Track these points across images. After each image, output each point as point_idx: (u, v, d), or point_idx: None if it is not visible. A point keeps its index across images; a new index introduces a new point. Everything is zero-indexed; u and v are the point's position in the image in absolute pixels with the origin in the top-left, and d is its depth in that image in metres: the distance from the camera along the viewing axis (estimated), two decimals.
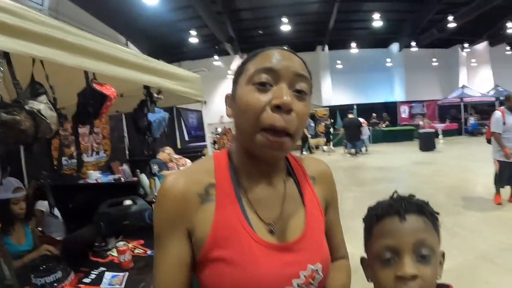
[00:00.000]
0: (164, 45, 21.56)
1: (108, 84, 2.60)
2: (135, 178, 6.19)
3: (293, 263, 0.92)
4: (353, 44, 24.09)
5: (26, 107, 1.91)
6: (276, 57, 0.92)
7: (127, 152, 8.89)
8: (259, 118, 0.87)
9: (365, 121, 16.94)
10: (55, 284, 2.19)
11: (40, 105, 1.98)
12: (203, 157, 1.60)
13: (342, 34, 23.45)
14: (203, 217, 0.91)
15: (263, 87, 0.89)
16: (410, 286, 0.86)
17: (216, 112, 23.19)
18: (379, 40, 24.83)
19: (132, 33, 18.18)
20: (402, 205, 0.94)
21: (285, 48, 0.98)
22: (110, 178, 6.88)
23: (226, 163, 1.01)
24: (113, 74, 2.49)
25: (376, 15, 18.54)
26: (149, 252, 2.73)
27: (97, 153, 7.71)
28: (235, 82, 0.98)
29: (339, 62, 25.84)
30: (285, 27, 19.11)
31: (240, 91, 0.93)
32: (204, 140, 12.51)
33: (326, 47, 25.48)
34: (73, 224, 3.97)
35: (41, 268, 2.26)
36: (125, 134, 8.89)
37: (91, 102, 2.48)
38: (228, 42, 20.98)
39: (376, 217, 0.97)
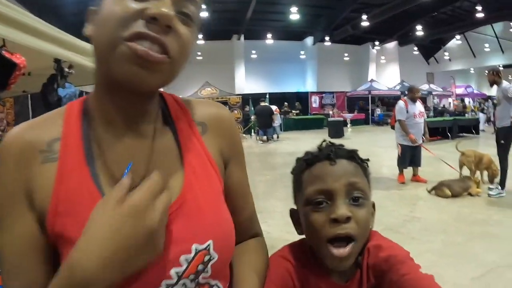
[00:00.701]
0: (78, 23, 20.46)
1: (19, 53, 2.47)
2: None
3: (166, 244, 0.65)
4: (269, 35, 24.55)
5: None
6: None
7: None
8: (124, 26, 0.61)
9: (277, 109, 17.24)
10: None
11: None
12: None
13: (259, 24, 23.87)
14: (42, 183, 0.67)
15: None
16: (344, 228, 0.81)
17: None
18: (295, 33, 25.67)
19: (43, 9, 17.06)
20: (332, 151, 0.91)
21: None
22: None
23: (79, 110, 0.75)
24: (25, 44, 2.41)
25: (294, 9, 19.04)
26: None
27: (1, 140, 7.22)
28: None
29: (254, 52, 26.25)
30: (203, 13, 18.93)
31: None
32: None
33: (242, 37, 25.78)
34: None
35: None
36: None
37: None
38: None
39: (306, 163, 0.92)
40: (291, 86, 26.51)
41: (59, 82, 3.30)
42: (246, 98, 21.05)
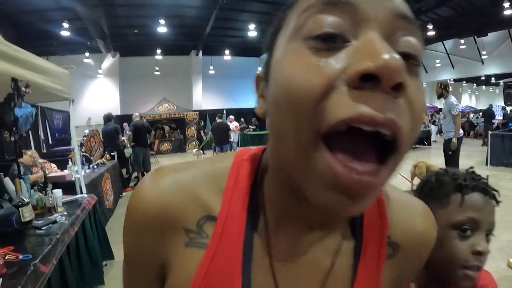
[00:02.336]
0: (31, 35, 19.66)
1: None
2: None
3: None
4: (227, 51, 24.59)
5: None
6: None
7: None
8: (319, 110, 0.39)
9: (237, 126, 17.29)
10: None
11: None
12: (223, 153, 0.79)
13: (217, 40, 23.87)
14: (181, 271, 0.55)
15: (327, 43, 0.41)
16: (482, 261, 0.91)
17: (83, 114, 21.95)
18: (252, 49, 25.61)
19: None
20: (486, 184, 0.97)
21: None
22: None
23: (247, 187, 0.57)
24: None
25: (252, 26, 19.12)
26: (21, 256, 2.53)
27: None
28: (271, 46, 0.50)
29: (211, 67, 26.17)
30: (162, 28, 18.83)
31: (279, 59, 0.46)
32: (69, 144, 11.80)
33: (200, 52, 25.67)
34: None
35: None
36: None
37: None
38: (100, 39, 19.92)
39: (458, 187, 0.95)
40: (247, 102, 26.45)
41: (16, 102, 3.18)
42: (203, 114, 21.03)
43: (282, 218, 0.53)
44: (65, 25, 17.48)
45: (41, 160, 6.14)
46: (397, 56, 0.37)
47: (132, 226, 0.57)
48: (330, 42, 0.41)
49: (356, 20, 0.40)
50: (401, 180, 7.24)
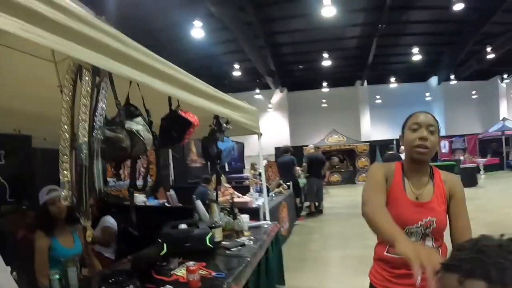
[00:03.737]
0: (208, 77, 21.83)
1: (190, 112, 2.78)
2: (180, 204, 6.43)
3: (421, 212, 1.84)
4: (392, 79, 24.04)
5: (126, 126, 2.05)
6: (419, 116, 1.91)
7: (171, 178, 9.08)
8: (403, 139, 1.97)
9: None
10: None
11: (138, 126, 2.14)
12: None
13: (381, 68, 23.52)
14: (388, 182, 1.95)
15: (414, 130, 1.86)
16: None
17: (256, 145, 23.14)
18: (418, 74, 24.74)
19: (179, 65, 18.69)
20: None
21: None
22: (155, 202, 7.07)
23: (400, 164, 2.01)
24: (193, 103, 2.70)
25: (415, 49, 18.53)
26: (214, 273, 2.80)
27: (144, 178, 7.90)
28: (404, 129, 1.99)
29: (378, 97, 25.74)
30: (326, 62, 19.26)
31: (405, 132, 1.95)
32: (242, 172, 12.65)
33: (365, 82, 25.47)
34: (124, 243, 4.21)
35: (110, 280, 2.34)
36: (170, 162, 9.10)
37: (175, 127, 2.64)
38: (269, 76, 21.32)
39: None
40: None
41: (218, 136, 3.58)
42: (373, 145, 20.40)
43: (408, 169, 1.97)
44: (236, 66, 19.03)
45: (226, 185, 6.68)
46: (426, 133, 1.83)
47: (376, 170, 2.01)
48: (414, 130, 1.88)
49: (420, 125, 1.86)
50: None
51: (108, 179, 6.25)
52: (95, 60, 1.71)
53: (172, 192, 7.98)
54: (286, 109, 25.81)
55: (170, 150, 8.89)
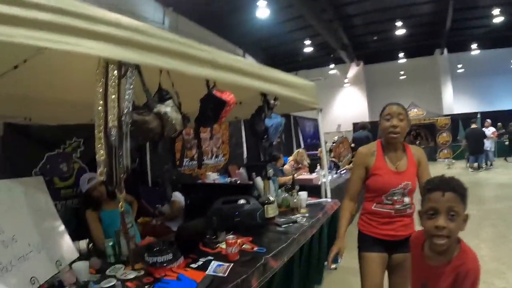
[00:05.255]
0: (279, 55, 22.00)
1: (229, 91, 2.86)
2: (250, 182, 6.57)
3: (400, 178, 2.46)
4: (474, 45, 21.98)
5: (154, 110, 2.24)
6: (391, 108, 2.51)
7: (244, 157, 9.30)
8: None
9: (495, 132, 15.02)
10: (164, 264, 2.43)
11: (167, 108, 2.30)
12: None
13: (461, 34, 21.52)
14: (371, 161, 2.54)
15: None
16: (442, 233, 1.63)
17: (333, 121, 23.05)
18: (502, 38, 21.64)
19: (248, 46, 18.94)
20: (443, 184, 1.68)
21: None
22: (227, 180, 7.31)
23: (380, 143, 2.59)
24: (231, 82, 2.78)
25: (496, 10, 16.63)
26: (256, 248, 2.88)
27: (216, 156, 8.24)
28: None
29: (459, 66, 23.48)
30: (400, 31, 18.31)
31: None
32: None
33: (445, 50, 23.47)
34: (188, 217, 4.39)
35: (154, 249, 2.53)
36: (243, 140, 9.29)
37: (211, 107, 2.75)
38: (342, 50, 20.76)
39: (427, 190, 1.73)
40: (505, 103, 21.47)
41: (266, 113, 3.65)
42: (455, 119, 18.25)
43: (387, 148, 2.58)
44: (307, 42, 18.71)
45: (305, 162, 6.74)
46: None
47: (357, 156, 2.72)
48: (387, 120, 2.50)
49: (392, 115, 2.47)
50: None
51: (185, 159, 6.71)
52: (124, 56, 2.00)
53: (242, 170, 8.19)
54: (363, 83, 24.94)
55: (243, 129, 9.12)
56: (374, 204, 2.59)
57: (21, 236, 2.22)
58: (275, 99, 3.74)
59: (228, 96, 2.76)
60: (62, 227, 2.70)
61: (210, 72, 2.58)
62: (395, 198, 2.50)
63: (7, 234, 2.13)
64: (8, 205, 2.26)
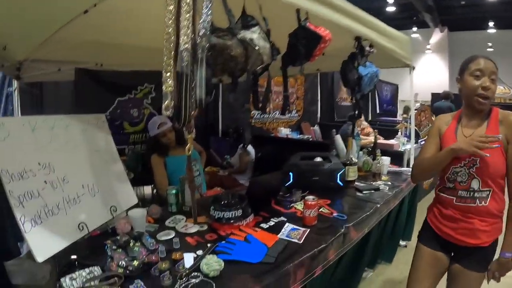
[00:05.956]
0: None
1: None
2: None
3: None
4: None
5: (238, 36, 1.81)
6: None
7: (318, 115, 8.91)
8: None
9: None
10: (231, 221, 2.18)
11: (253, 34, 1.86)
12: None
13: None
14: (444, 129, 2.08)
15: (476, 76, 1.87)
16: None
17: (409, 89, 21.45)
18: None
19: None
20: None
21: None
22: (299, 136, 7.03)
23: (459, 113, 2.09)
24: (326, 17, 2.34)
25: None
26: (335, 214, 2.52)
27: (290, 112, 7.93)
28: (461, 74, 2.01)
29: None
30: None
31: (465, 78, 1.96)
32: (395, 116, 11.85)
33: None
34: (257, 172, 4.19)
35: (222, 202, 2.29)
36: (318, 98, 8.90)
37: (303, 42, 2.30)
38: (427, 12, 19.02)
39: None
40: None
41: (359, 60, 3.16)
42: None
43: (465, 115, 2.07)
44: (389, 0, 17.28)
45: (365, 123, 6.28)
46: (488, 83, 1.85)
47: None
48: (476, 76, 1.90)
49: (483, 73, 1.86)
50: None
51: (253, 112, 6.47)
52: None
53: (316, 127, 7.88)
54: (445, 51, 22.71)
55: (319, 86, 8.70)
56: (440, 188, 2.07)
57: (74, 177, 2.02)
58: (371, 45, 3.22)
59: (324, 32, 2.29)
60: (122, 170, 2.49)
61: (304, 2, 2.13)
62: (458, 180, 1.91)
63: (58, 173, 1.91)
64: (62, 143, 2.05)
